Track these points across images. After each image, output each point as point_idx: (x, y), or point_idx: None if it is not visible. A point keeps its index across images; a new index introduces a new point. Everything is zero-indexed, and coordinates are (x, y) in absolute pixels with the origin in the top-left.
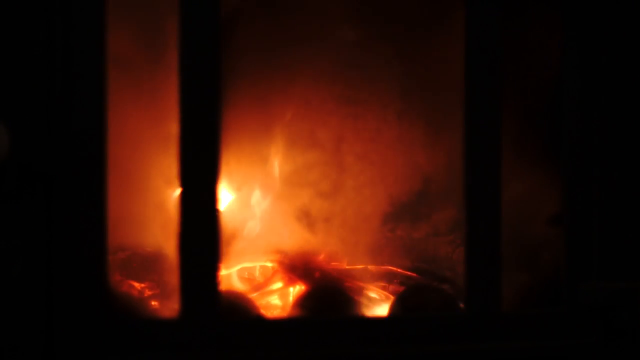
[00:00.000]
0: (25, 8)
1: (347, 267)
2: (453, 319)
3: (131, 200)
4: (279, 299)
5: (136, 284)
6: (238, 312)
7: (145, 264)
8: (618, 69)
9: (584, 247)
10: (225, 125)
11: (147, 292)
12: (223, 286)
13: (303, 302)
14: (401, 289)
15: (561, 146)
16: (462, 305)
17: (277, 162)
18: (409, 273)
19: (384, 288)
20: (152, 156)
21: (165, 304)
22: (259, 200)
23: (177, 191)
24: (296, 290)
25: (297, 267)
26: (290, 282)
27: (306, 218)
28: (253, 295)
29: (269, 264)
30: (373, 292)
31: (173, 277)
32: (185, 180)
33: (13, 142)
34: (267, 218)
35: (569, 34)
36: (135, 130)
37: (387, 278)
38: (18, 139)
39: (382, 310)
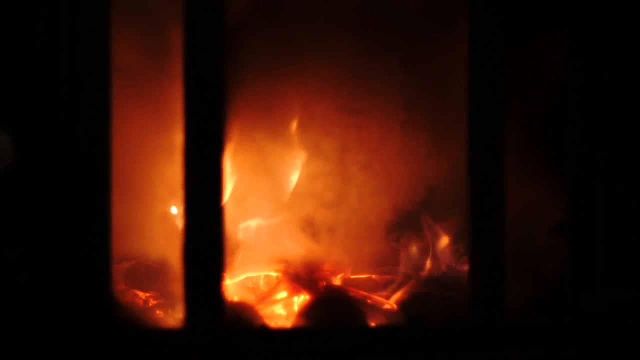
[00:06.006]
0: (30, 17)
1: (351, 276)
2: (457, 329)
3: (135, 209)
4: (283, 308)
5: (140, 294)
6: (242, 321)
7: (150, 274)
8: (622, 79)
9: (588, 256)
10: (229, 134)
11: (152, 302)
12: (227, 296)
13: (307, 311)
14: (405, 298)
15: (565, 156)
16: (466, 314)
17: (281, 172)
18: (412, 282)
19: (387, 297)
20: (157, 166)
21: (169, 314)
22: (263, 210)
23: (181, 201)
24: (300, 299)
25: (301, 276)
26: (294, 291)
27: (310, 228)
28: (257, 305)
29: (274, 274)
30: (377, 302)
31: (177, 287)
32: (189, 190)
33: (18, 151)
34: (272, 228)
35: (572, 44)
36: (139, 139)
37: (391, 287)
38: (23, 149)
39: (386, 319)
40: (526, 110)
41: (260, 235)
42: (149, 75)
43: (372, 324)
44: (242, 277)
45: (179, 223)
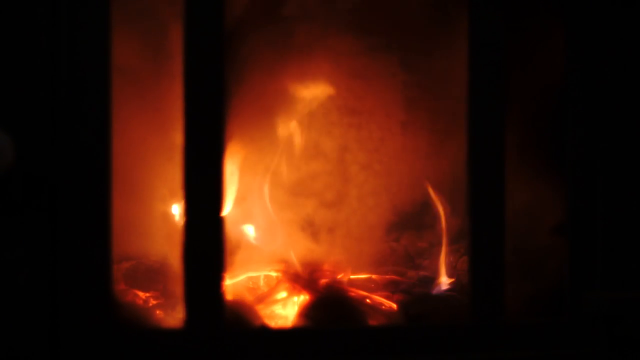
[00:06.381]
0: (31, 17)
1: (351, 276)
2: (457, 328)
3: (136, 209)
4: (283, 308)
5: (141, 294)
6: (242, 321)
7: (150, 274)
8: (622, 79)
9: (587, 256)
10: (229, 135)
11: (152, 302)
12: (227, 296)
13: (307, 311)
14: (405, 298)
15: (565, 155)
16: (466, 314)
17: (282, 171)
18: (412, 282)
19: (387, 297)
20: (157, 166)
21: (169, 314)
22: (263, 210)
23: (181, 201)
24: (300, 299)
25: (301, 276)
26: (294, 291)
27: (310, 228)
28: (257, 305)
29: (274, 274)
30: (377, 302)
31: (177, 287)
32: (190, 190)
33: (18, 152)
34: (272, 228)
35: (572, 43)
36: (139, 140)
37: (391, 287)
38: (23, 149)
39: (385, 319)
40: (526, 110)
41: (260, 235)
42: (149, 75)
43: (372, 324)
44: (242, 277)
45: (179, 223)
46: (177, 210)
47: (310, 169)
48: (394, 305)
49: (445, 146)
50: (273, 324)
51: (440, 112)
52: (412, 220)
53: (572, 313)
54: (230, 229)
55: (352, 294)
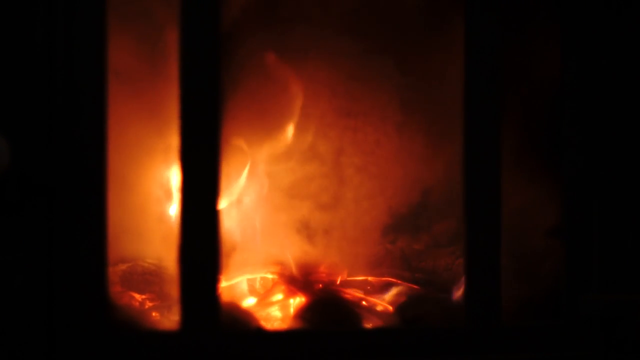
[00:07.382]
0: (26, 19)
1: (347, 278)
2: (453, 331)
3: (132, 212)
4: (279, 310)
5: (137, 296)
6: (238, 324)
7: (146, 276)
8: (618, 82)
9: (584, 258)
10: (225, 137)
11: (148, 304)
12: (223, 298)
13: (303, 313)
14: (401, 300)
15: (561, 158)
16: (461, 316)
17: (277, 174)
18: (408, 284)
19: (383, 300)
20: (152, 168)
21: (165, 316)
22: (259, 212)
23: (177, 203)
24: (296, 302)
25: (297, 279)
26: (290, 293)
27: (306, 230)
28: (253, 307)
29: (269, 276)
30: (373, 304)
31: (173, 289)
32: (186, 192)
33: (14, 154)
34: (267, 230)
35: (569, 46)
36: (135, 142)
37: (387, 289)
38: (19, 151)
39: (381, 322)
40: (523, 112)
41: (256, 237)
42: (145, 77)
43: (368, 326)
44: (238, 279)
45: (175, 225)
46: (173, 212)
47: (306, 171)
48: (390, 308)
49: (441, 148)
50: (269, 326)
51: (436, 115)
52: (407, 223)
53: (568, 315)
54: (226, 231)
55: (348, 296)
